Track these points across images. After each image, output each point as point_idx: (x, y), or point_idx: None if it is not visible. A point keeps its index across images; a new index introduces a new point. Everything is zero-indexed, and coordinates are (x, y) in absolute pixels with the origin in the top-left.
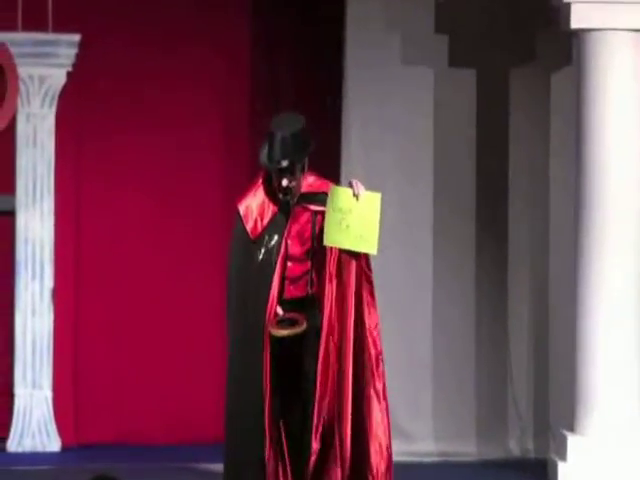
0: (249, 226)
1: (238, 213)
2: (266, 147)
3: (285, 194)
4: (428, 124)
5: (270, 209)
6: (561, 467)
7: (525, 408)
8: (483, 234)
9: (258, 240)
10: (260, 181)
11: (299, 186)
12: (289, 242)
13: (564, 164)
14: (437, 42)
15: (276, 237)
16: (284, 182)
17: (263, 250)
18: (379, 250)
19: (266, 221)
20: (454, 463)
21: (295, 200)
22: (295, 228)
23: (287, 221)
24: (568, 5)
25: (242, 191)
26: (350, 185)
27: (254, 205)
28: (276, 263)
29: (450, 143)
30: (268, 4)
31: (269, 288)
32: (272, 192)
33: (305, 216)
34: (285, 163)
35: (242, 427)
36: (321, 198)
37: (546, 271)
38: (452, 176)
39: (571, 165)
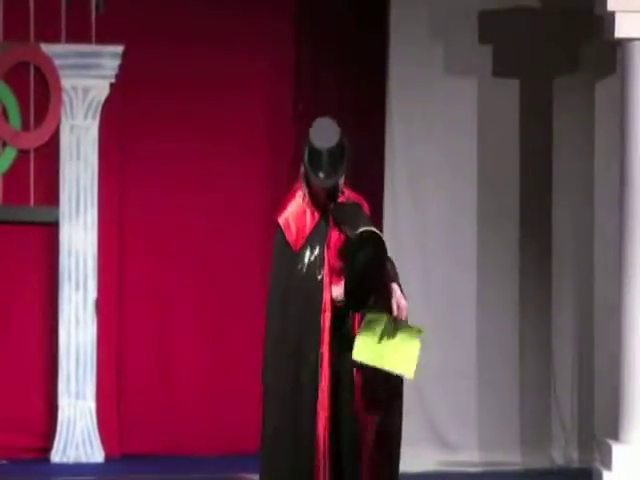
0: (291, 238)
1: (278, 225)
2: (309, 160)
3: (331, 194)
4: (472, 134)
5: (311, 218)
6: (606, 476)
7: (569, 417)
8: (527, 246)
9: (300, 252)
10: (297, 190)
11: (341, 183)
12: (327, 254)
13: (609, 173)
14: (481, 52)
15: (317, 250)
16: (330, 185)
17: (305, 263)
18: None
19: (308, 231)
20: (498, 473)
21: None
22: (333, 239)
23: (327, 233)
24: (612, 14)
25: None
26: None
27: (294, 216)
28: (319, 278)
29: (494, 153)
30: (311, 12)
31: (314, 300)
32: (313, 199)
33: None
34: (332, 181)
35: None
36: (356, 210)
37: (591, 280)
38: (496, 187)
39: (615, 174)
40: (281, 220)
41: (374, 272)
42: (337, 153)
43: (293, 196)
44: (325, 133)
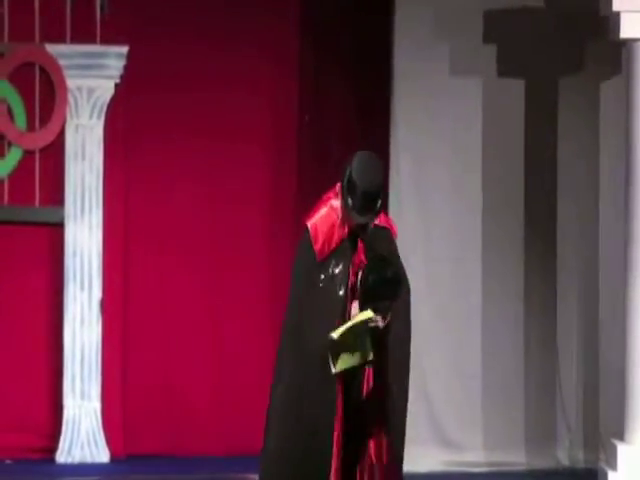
0: (317, 247)
1: (307, 230)
2: (347, 189)
3: (362, 228)
4: (477, 134)
5: (339, 232)
6: (611, 477)
7: (575, 417)
8: (532, 244)
9: (324, 263)
10: (330, 200)
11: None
12: (351, 271)
13: (614, 174)
14: (486, 52)
15: (341, 266)
16: (364, 222)
17: (328, 275)
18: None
19: (334, 244)
20: (503, 473)
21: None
22: (356, 261)
23: (353, 250)
24: (617, 14)
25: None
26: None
27: (323, 225)
28: (341, 294)
29: (499, 153)
30: (316, 10)
31: (331, 316)
32: (345, 217)
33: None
34: (366, 220)
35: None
36: (383, 234)
37: (596, 280)
38: (500, 188)
39: (621, 175)
40: (310, 224)
41: (385, 295)
42: (375, 193)
43: (325, 203)
44: (368, 172)
